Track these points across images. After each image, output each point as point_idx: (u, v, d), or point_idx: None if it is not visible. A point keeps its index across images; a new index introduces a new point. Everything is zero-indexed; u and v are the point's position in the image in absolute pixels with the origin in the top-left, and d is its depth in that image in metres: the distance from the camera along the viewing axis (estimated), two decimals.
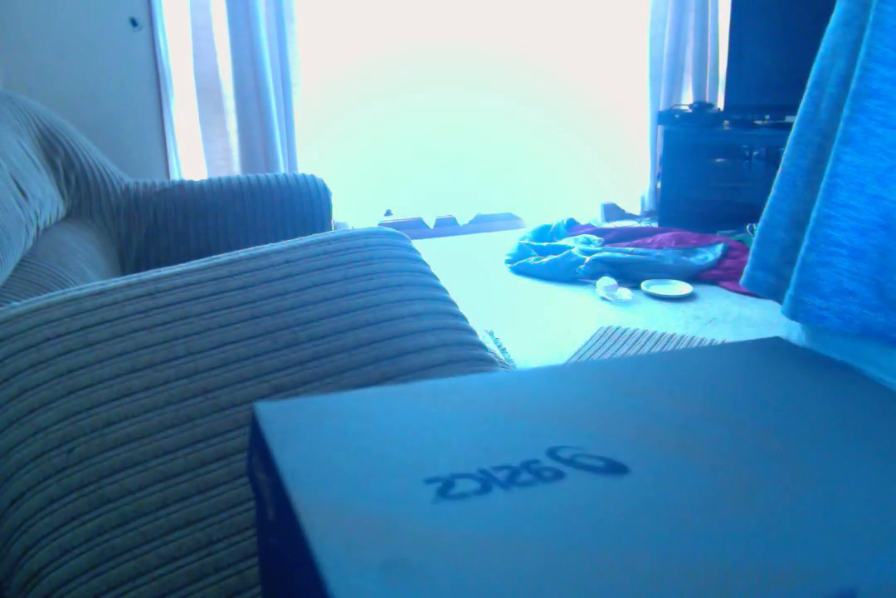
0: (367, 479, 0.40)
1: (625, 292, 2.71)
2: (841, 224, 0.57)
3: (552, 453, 0.42)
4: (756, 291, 0.67)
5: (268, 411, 0.47)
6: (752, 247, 0.68)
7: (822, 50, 0.63)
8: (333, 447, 0.43)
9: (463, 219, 3.47)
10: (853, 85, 0.57)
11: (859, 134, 0.56)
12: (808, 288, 0.59)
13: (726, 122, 3.45)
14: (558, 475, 0.40)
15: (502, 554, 0.34)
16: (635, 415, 0.47)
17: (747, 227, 3.33)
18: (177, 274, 0.78)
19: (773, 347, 0.60)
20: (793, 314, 0.60)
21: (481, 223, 3.53)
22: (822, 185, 0.58)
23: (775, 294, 0.65)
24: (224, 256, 0.81)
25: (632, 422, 0.46)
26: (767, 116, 3.43)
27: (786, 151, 0.65)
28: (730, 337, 2.39)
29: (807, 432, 0.46)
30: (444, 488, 0.39)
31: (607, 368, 0.54)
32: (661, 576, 0.33)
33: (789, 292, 0.60)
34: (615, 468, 0.41)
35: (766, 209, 0.67)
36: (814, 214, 0.59)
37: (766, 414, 0.48)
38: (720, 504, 0.38)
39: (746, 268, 0.68)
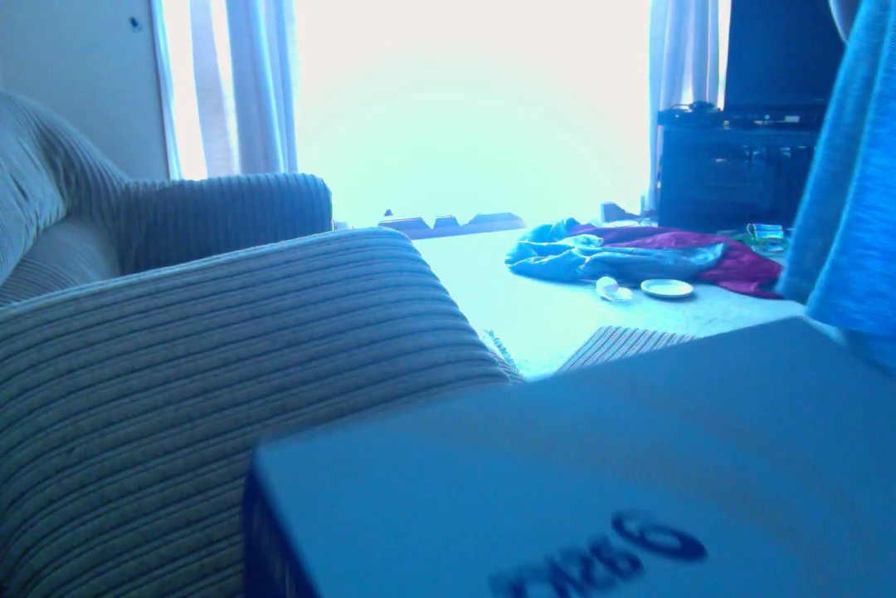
0: (416, 577, 0.34)
1: (625, 292, 2.71)
2: (872, 226, 0.56)
3: (619, 525, 0.38)
4: (792, 297, 0.65)
5: (273, 461, 0.39)
6: (788, 253, 0.67)
7: (847, 53, 0.62)
8: (363, 522, 0.37)
9: (463, 219, 3.47)
10: (877, 88, 0.56)
11: (886, 136, 0.56)
12: (841, 291, 0.57)
13: (726, 122, 3.45)
14: (634, 566, 0.36)
15: None
16: (685, 447, 0.44)
17: (747, 227, 3.33)
18: (177, 274, 0.78)
19: (796, 332, 0.56)
20: (825, 318, 0.58)
21: (481, 223, 3.54)
22: (852, 188, 0.58)
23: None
24: (224, 256, 0.81)
25: (685, 458, 0.43)
26: (767, 116, 3.43)
27: (815, 155, 0.64)
28: None
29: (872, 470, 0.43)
30: None
31: (639, 373, 0.50)
32: None
33: (817, 295, 0.59)
34: (691, 550, 0.38)
35: (799, 215, 0.65)
36: (844, 217, 0.58)
37: (827, 441, 0.45)
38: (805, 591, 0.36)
39: (783, 274, 0.67)
